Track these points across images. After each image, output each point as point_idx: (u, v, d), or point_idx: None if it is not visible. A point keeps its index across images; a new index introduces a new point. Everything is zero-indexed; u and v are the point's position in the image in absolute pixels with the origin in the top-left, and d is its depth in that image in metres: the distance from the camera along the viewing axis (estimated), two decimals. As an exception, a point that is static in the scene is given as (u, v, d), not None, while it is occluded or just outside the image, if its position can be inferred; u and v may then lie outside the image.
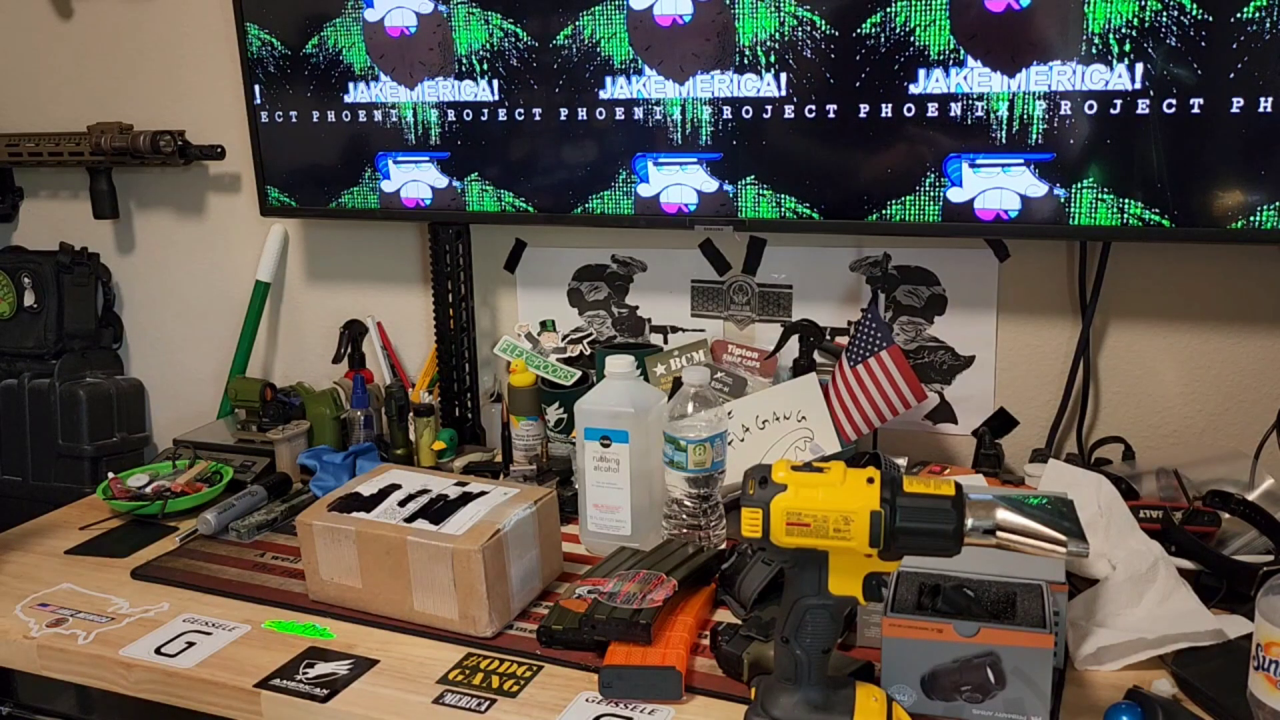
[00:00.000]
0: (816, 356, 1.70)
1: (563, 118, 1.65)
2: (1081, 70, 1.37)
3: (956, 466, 1.66)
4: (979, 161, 1.45)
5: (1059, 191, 1.42)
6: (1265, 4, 1.28)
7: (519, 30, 1.64)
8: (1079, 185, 1.41)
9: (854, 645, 1.18)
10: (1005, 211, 1.46)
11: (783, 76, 1.51)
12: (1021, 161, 1.43)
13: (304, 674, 1.18)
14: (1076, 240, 1.55)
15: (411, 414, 1.78)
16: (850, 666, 1.11)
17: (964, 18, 1.41)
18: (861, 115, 1.49)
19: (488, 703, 1.12)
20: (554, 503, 1.36)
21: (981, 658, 1.03)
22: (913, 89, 1.45)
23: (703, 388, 1.37)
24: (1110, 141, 1.39)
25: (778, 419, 1.58)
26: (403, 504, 1.33)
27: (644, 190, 1.64)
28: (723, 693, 1.12)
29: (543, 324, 1.82)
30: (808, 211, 1.56)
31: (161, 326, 2.22)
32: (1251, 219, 1.35)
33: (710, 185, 1.60)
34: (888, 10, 1.44)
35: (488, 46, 1.67)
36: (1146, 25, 1.33)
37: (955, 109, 1.44)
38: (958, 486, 0.96)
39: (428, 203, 1.78)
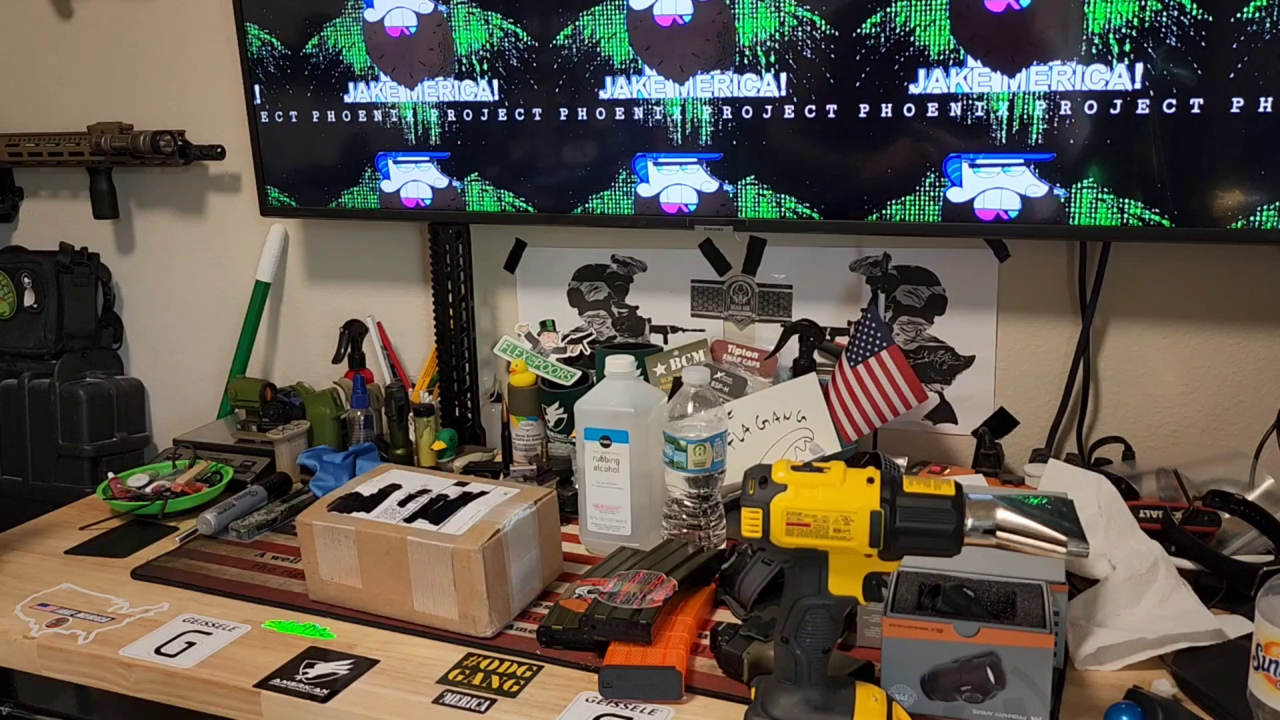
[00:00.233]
0: (816, 356, 1.70)
1: (563, 118, 1.65)
2: (1081, 70, 1.37)
3: (956, 466, 1.66)
4: (979, 161, 1.45)
5: (1059, 191, 1.42)
6: (1265, 4, 1.28)
7: (519, 30, 1.64)
8: (1079, 185, 1.41)
9: (854, 645, 1.18)
10: (1005, 211, 1.46)
11: (783, 76, 1.51)
12: (1021, 161, 1.43)
13: (304, 674, 1.18)
14: (1076, 240, 1.55)
15: (411, 414, 1.78)
16: (850, 666, 1.11)
17: (964, 18, 1.41)
18: (861, 115, 1.49)
19: (488, 703, 1.12)
20: (554, 503, 1.36)
21: (981, 658, 1.03)
22: (913, 89, 1.45)
23: (703, 388, 1.37)
24: (1110, 141, 1.39)
25: (778, 419, 1.58)
26: (403, 504, 1.33)
27: (644, 190, 1.64)
28: (723, 693, 1.12)
29: (543, 324, 1.82)
30: (808, 211, 1.56)
31: (161, 326, 2.22)
32: (1251, 219, 1.35)
33: (710, 185, 1.60)
34: (888, 10, 1.44)
35: (488, 46, 1.67)
36: (1146, 25, 1.33)
37: (955, 109, 1.44)
38: (958, 486, 0.96)
39: (428, 203, 1.78)
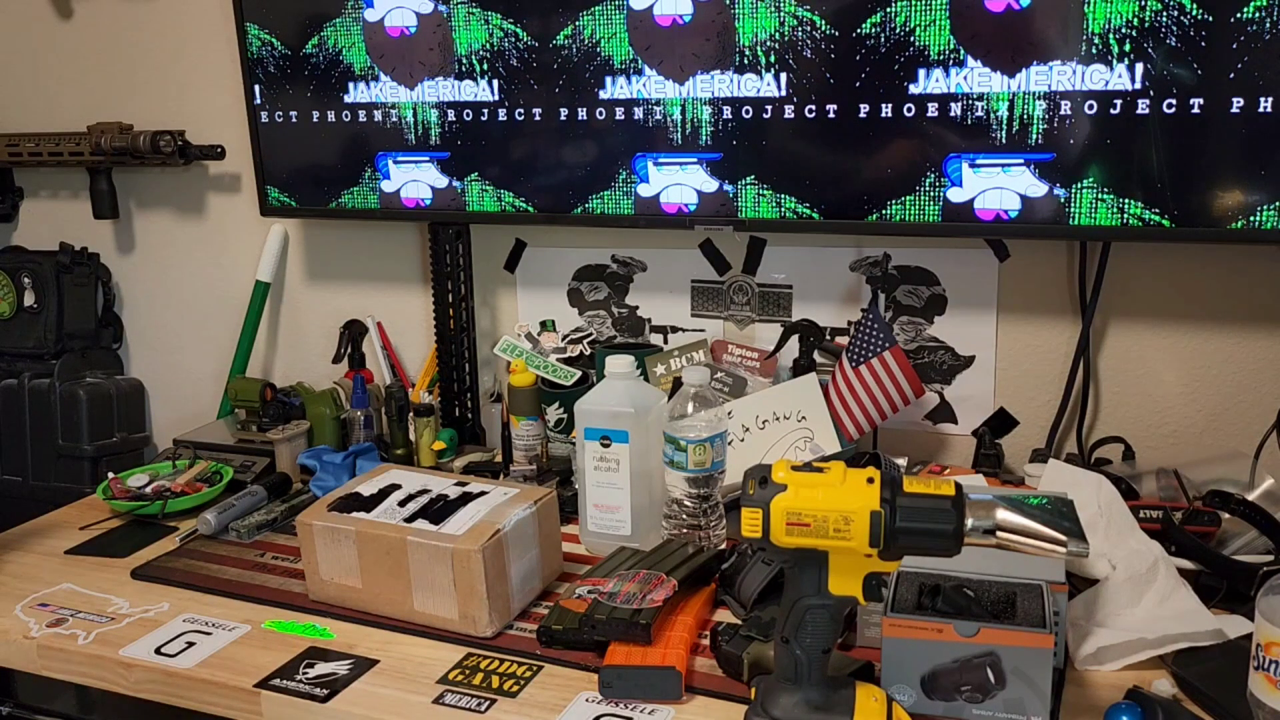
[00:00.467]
0: (816, 356, 1.70)
1: (563, 118, 1.65)
2: (1081, 70, 1.37)
3: (956, 466, 1.66)
4: (979, 161, 1.45)
5: (1059, 191, 1.42)
6: (1265, 4, 1.28)
7: (519, 30, 1.64)
8: (1079, 185, 1.41)
9: (854, 645, 1.18)
10: (1005, 211, 1.46)
11: (783, 76, 1.51)
12: (1021, 161, 1.43)
13: (304, 674, 1.18)
14: (1076, 240, 1.55)
15: (411, 414, 1.78)
16: (850, 666, 1.11)
17: (964, 18, 1.41)
18: (861, 115, 1.49)
19: (488, 703, 1.12)
20: (554, 503, 1.36)
21: (981, 658, 1.03)
22: (913, 89, 1.45)
23: (703, 388, 1.37)
24: (1110, 141, 1.39)
25: (778, 419, 1.58)
26: (403, 504, 1.33)
27: (644, 190, 1.64)
28: (723, 693, 1.12)
29: (543, 324, 1.82)
30: (808, 211, 1.56)
31: (161, 326, 2.22)
32: (1251, 219, 1.35)
33: (710, 185, 1.60)
34: (888, 10, 1.44)
35: (488, 46, 1.67)
36: (1146, 25, 1.33)
37: (955, 109, 1.44)
38: (958, 486, 0.96)
39: (428, 203, 1.78)
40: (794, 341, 1.74)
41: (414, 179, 1.78)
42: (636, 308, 1.85)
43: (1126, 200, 1.40)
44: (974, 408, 1.69)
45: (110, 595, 1.39)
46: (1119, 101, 1.37)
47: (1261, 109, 1.31)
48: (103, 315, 2.21)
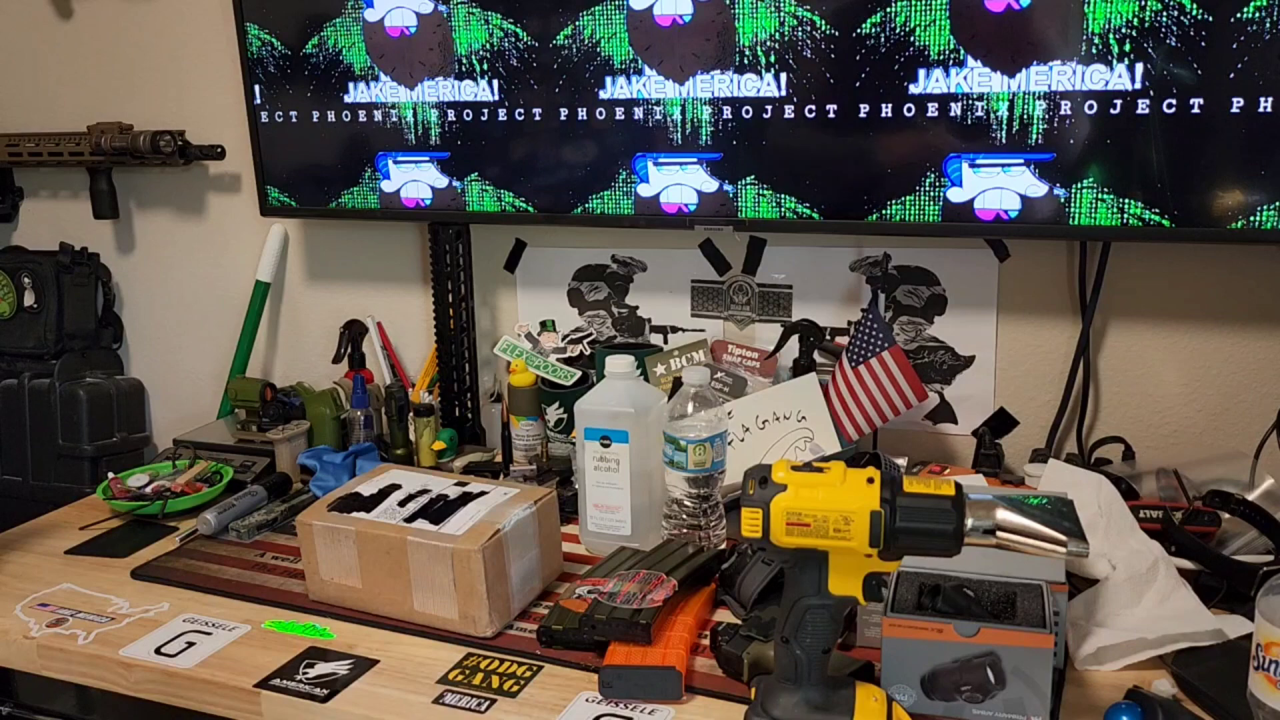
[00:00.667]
0: (816, 356, 1.70)
1: (563, 118, 1.65)
2: (1081, 70, 1.37)
3: (956, 466, 1.66)
4: (979, 161, 1.45)
5: (1059, 191, 1.42)
6: (1265, 4, 1.28)
7: (519, 30, 1.64)
8: (1079, 185, 1.41)
9: (854, 645, 1.18)
10: (1005, 211, 1.46)
11: (783, 76, 1.51)
12: (1021, 161, 1.43)
13: (304, 674, 1.18)
14: (1076, 240, 1.56)
15: (411, 414, 1.78)
16: (850, 666, 1.11)
17: (964, 18, 1.41)
18: (861, 115, 1.49)
19: (488, 703, 1.12)
20: (554, 503, 1.36)
21: (981, 658, 1.03)
22: (913, 89, 1.45)
23: (703, 388, 1.37)
24: (1110, 141, 1.39)
25: (778, 419, 1.58)
26: (403, 504, 1.33)
27: (644, 190, 1.64)
28: (723, 693, 1.12)
29: (543, 324, 1.82)
30: (808, 211, 1.56)
31: (161, 326, 2.22)
32: (1251, 219, 1.35)
33: (710, 185, 1.60)
34: (888, 10, 1.44)
35: (488, 46, 1.67)
36: (1146, 25, 1.33)
37: (955, 109, 1.44)
38: (958, 486, 0.96)
39: (428, 203, 1.78)
40: (794, 341, 1.73)
41: (414, 179, 1.78)
42: (636, 308, 1.85)
43: (1126, 200, 1.40)
44: (974, 408, 1.69)
45: (110, 595, 1.39)
46: (1119, 101, 1.37)
47: (1261, 109, 1.31)
48: (103, 315, 2.21)
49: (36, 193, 2.25)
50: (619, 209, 1.66)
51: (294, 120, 1.82)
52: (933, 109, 1.45)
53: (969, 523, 0.94)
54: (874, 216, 1.52)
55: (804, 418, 1.58)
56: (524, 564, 1.29)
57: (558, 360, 1.73)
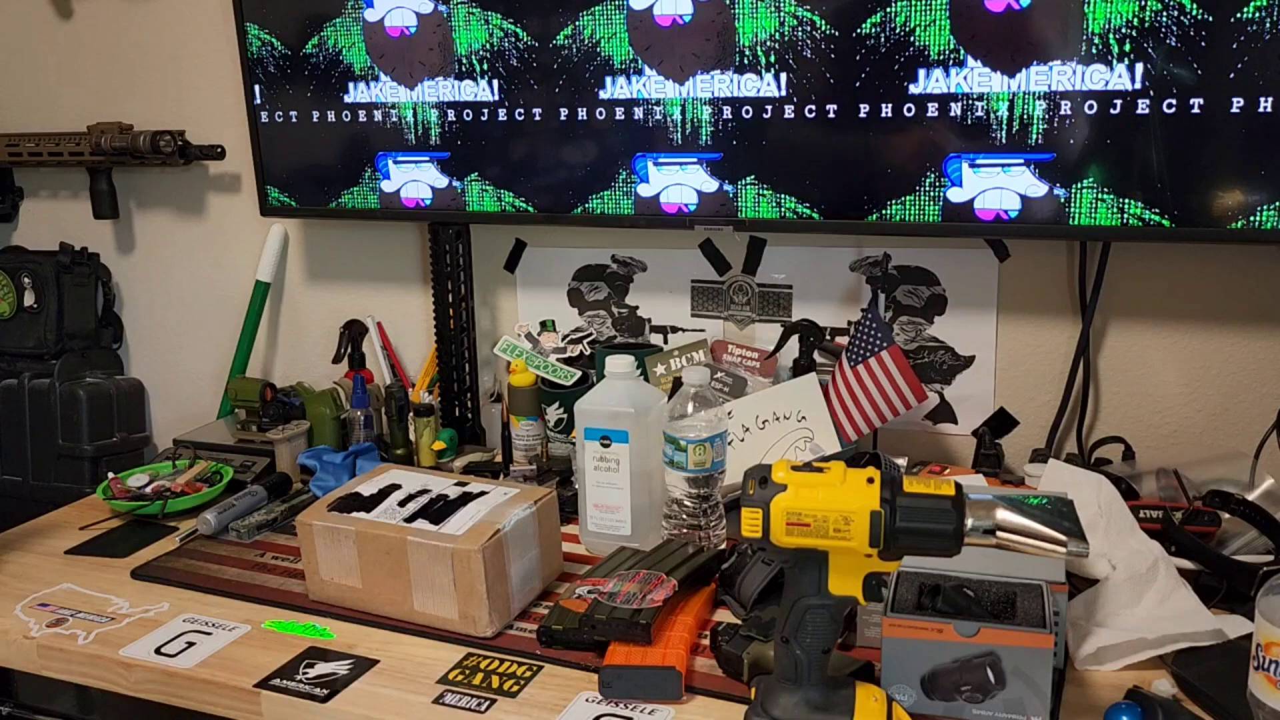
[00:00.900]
0: (816, 356, 1.70)
1: (563, 118, 1.65)
2: (1081, 70, 1.37)
3: (956, 466, 1.66)
4: (979, 161, 1.45)
5: (1059, 191, 1.42)
6: (1265, 4, 1.28)
7: (519, 30, 1.64)
8: (1079, 185, 1.41)
9: (854, 645, 1.18)
10: (1005, 211, 1.46)
11: (783, 76, 1.51)
12: (1021, 161, 1.43)
13: (304, 674, 1.18)
14: (1076, 240, 1.55)
15: (411, 414, 1.78)
16: (850, 666, 1.11)
17: (964, 18, 1.41)
18: (861, 115, 1.49)
19: (488, 703, 1.12)
20: (554, 503, 1.36)
21: (981, 658, 1.03)
22: (913, 89, 1.45)
23: (703, 388, 1.37)
24: (1110, 141, 1.39)
25: (778, 419, 1.58)
26: (403, 504, 1.33)
27: (644, 190, 1.64)
28: (723, 693, 1.12)
29: (543, 324, 1.82)
30: (808, 211, 1.56)
31: (161, 326, 2.22)
32: (1251, 219, 1.35)
33: (710, 185, 1.60)
34: (888, 10, 1.44)
35: (488, 46, 1.67)
36: (1146, 25, 1.33)
37: (955, 109, 1.44)
38: (958, 486, 0.96)
39: (428, 203, 1.78)
40: (794, 341, 1.73)
41: (414, 179, 1.78)
42: (636, 308, 1.85)
43: (1126, 200, 1.40)
44: (974, 408, 1.69)
45: (110, 595, 1.39)
46: (1119, 101, 1.37)
47: (1261, 109, 1.31)
48: (103, 315, 2.21)
49: (36, 193, 2.25)
50: (619, 209, 1.66)
51: (294, 120, 1.82)
52: (933, 109, 1.45)
53: (969, 523, 0.94)
54: (874, 216, 1.52)
55: (804, 418, 1.58)
56: (524, 564, 1.29)
57: (558, 360, 1.73)
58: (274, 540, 1.54)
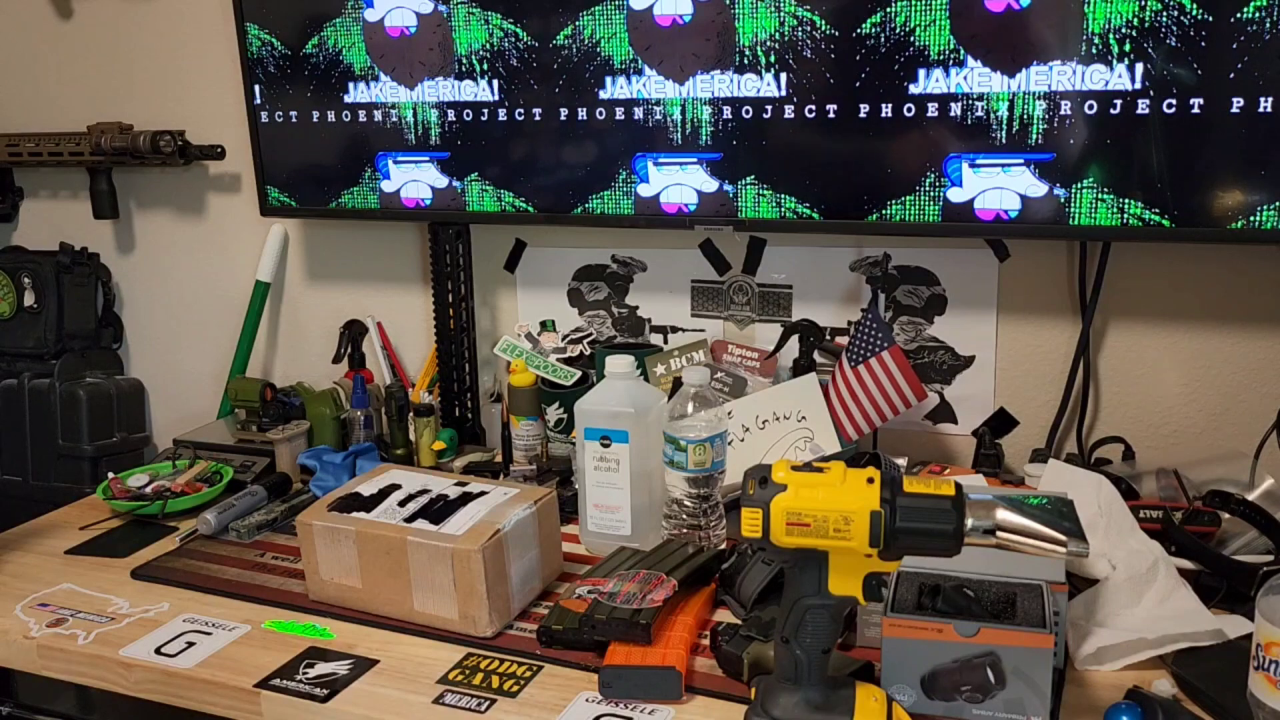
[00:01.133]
0: (816, 356, 1.70)
1: (563, 118, 1.65)
2: (1081, 70, 1.37)
3: (956, 466, 1.66)
4: (979, 161, 1.45)
5: (1059, 191, 1.42)
6: (1265, 4, 1.28)
7: (519, 30, 1.64)
8: (1079, 185, 1.41)
9: (854, 645, 1.18)
10: (1005, 211, 1.46)
11: (783, 76, 1.51)
12: (1021, 161, 1.43)
13: (304, 674, 1.18)
14: (1076, 240, 1.55)
15: (411, 414, 1.78)
16: (850, 666, 1.11)
17: (964, 18, 1.41)
18: (861, 115, 1.49)
19: (488, 703, 1.12)
20: (554, 503, 1.36)
21: (981, 658, 1.03)
22: (913, 89, 1.45)
23: (703, 388, 1.37)
24: (1110, 141, 1.39)
25: (778, 419, 1.58)
26: (403, 504, 1.33)
27: (644, 190, 1.64)
28: (723, 693, 1.12)
29: (543, 324, 1.82)
30: (808, 211, 1.56)
31: (161, 326, 2.22)
32: (1251, 219, 1.35)
33: (710, 185, 1.60)
34: (888, 10, 1.44)
35: (488, 46, 1.67)
36: (1146, 25, 1.33)
37: (955, 109, 1.44)
38: (958, 486, 0.96)
39: (428, 203, 1.78)
40: (794, 341, 1.73)
41: (414, 179, 1.78)
42: (636, 308, 1.85)
43: (1126, 200, 1.40)
44: (974, 408, 1.69)
45: (110, 595, 1.39)
46: (1119, 101, 1.37)
47: (1261, 109, 1.31)
48: (103, 315, 2.21)
49: (36, 193, 2.25)
50: (619, 209, 1.66)
51: (294, 120, 1.82)
52: (933, 109, 1.45)
53: (969, 523, 0.94)
54: (874, 216, 1.52)
55: (804, 418, 1.57)
56: (524, 564, 1.29)
57: (558, 360, 1.73)
58: (274, 540, 1.54)
